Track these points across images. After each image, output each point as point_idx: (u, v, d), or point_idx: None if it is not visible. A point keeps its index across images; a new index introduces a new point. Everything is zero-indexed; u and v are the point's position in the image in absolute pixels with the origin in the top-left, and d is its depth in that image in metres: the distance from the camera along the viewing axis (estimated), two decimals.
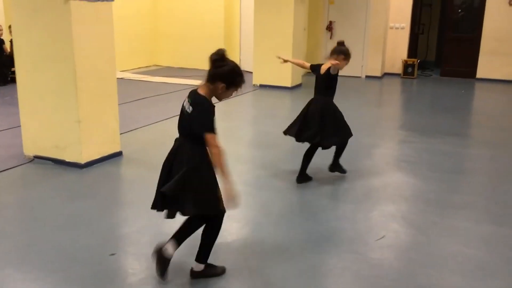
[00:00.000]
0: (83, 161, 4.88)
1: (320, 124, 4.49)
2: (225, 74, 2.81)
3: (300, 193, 4.49)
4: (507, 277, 3.11)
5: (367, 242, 3.56)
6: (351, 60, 4.66)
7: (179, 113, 2.99)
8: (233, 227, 3.73)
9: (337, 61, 4.44)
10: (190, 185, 2.81)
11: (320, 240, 3.57)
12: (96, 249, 3.37)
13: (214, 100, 2.87)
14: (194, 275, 3.04)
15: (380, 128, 7.07)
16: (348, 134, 4.72)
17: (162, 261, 2.93)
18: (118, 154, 5.27)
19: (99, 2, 4.74)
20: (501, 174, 5.11)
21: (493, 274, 3.15)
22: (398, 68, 11.87)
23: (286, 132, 4.73)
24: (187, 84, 9.89)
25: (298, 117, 4.71)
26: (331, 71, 4.48)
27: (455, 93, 10.04)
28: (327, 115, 4.54)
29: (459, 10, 11.83)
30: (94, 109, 4.91)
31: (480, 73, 11.37)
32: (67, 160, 4.93)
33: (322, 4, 11.64)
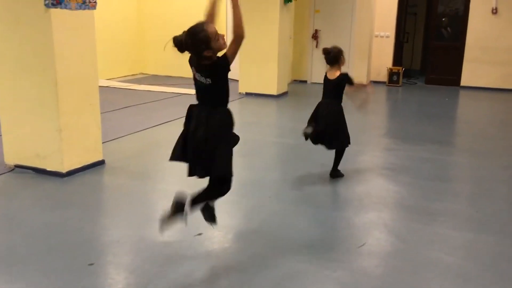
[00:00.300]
0: (64, 170, 4.84)
1: (326, 126, 4.79)
2: (196, 45, 2.88)
3: (283, 201, 4.48)
4: (486, 285, 3.13)
5: (348, 249, 3.56)
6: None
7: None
8: (215, 235, 3.72)
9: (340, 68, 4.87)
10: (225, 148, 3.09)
11: (302, 248, 3.56)
12: (75, 258, 3.33)
13: None
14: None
15: (365, 135, 7.10)
16: (345, 141, 4.93)
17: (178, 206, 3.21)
18: (101, 162, 5.24)
19: (80, 11, 4.72)
20: (482, 182, 5.15)
21: (472, 281, 3.16)
22: (383, 76, 11.96)
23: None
24: (173, 92, 9.89)
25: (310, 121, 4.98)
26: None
27: (439, 101, 10.14)
28: (332, 117, 4.83)
29: (443, 19, 11.96)
30: (75, 117, 4.88)
31: (464, 81, 11.50)
32: (48, 169, 4.88)
33: (308, 13, 11.71)
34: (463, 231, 3.91)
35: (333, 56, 4.78)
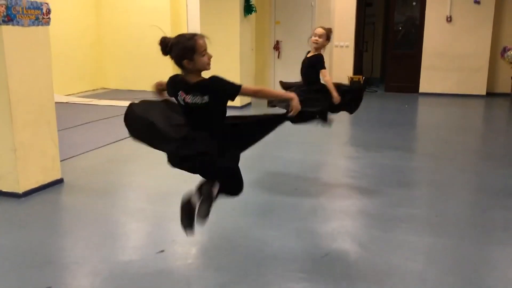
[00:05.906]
0: (20, 190, 4.69)
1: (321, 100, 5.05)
2: (178, 53, 2.83)
3: (245, 213, 4.45)
4: None
5: (313, 259, 3.56)
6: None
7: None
8: (177, 251, 3.66)
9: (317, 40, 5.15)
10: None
11: (265, 260, 3.54)
12: (32, 282, 3.21)
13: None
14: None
15: (326, 144, 7.17)
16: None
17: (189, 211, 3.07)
18: (59, 181, 5.10)
19: (33, 27, 4.61)
20: (442, 186, 5.26)
21: (434, 286, 3.20)
22: None
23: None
24: None
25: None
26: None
27: (399, 108, 10.35)
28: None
29: (400, 28, 12.25)
30: (31, 136, 4.74)
31: (422, 88, 11.80)
32: (3, 190, 4.72)
33: (269, 24, 11.80)
34: (423, 236, 3.97)
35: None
